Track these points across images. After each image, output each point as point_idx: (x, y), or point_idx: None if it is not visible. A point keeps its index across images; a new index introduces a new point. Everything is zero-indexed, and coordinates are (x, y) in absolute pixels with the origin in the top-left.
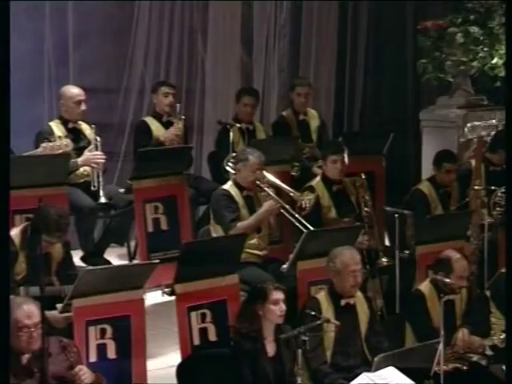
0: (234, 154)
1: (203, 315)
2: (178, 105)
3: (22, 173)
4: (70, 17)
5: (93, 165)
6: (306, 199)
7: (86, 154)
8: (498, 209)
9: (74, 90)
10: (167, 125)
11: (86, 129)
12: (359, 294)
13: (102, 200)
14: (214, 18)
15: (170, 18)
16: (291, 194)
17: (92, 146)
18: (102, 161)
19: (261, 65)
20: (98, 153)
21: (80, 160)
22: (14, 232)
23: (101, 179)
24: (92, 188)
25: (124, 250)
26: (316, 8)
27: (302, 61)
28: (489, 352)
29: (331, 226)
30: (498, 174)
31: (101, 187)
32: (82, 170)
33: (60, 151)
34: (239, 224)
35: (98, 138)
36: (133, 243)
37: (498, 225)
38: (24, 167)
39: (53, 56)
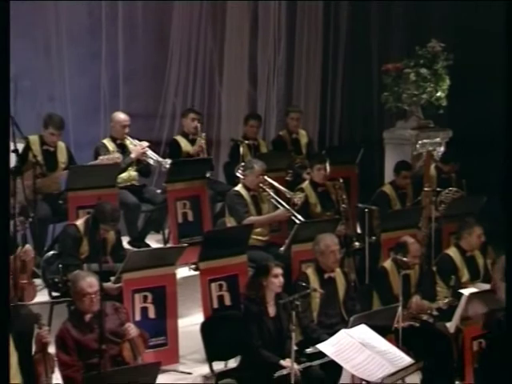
0: (242, 164)
1: (220, 285)
2: (199, 124)
3: (83, 178)
4: (120, 60)
5: (141, 152)
6: (298, 197)
7: (133, 148)
8: (442, 205)
9: (121, 116)
10: (193, 142)
11: (130, 144)
12: (338, 269)
13: (166, 165)
14: (228, 61)
15: (195, 60)
16: (286, 194)
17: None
18: (146, 143)
19: (263, 96)
20: (141, 143)
21: (132, 155)
22: (79, 222)
23: (154, 156)
24: (153, 163)
25: (160, 237)
26: (305, 54)
27: (294, 93)
28: (435, 312)
29: (317, 218)
30: (446, 180)
31: (158, 158)
32: (128, 174)
33: (112, 162)
34: (252, 217)
35: (136, 141)
36: (167, 231)
37: (443, 217)
38: (85, 174)
39: (107, 89)
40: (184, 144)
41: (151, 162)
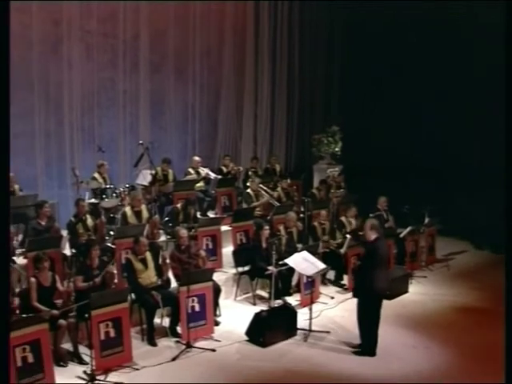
0: (250, 179)
1: (241, 234)
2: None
3: (180, 186)
4: (196, 133)
5: (206, 173)
6: (275, 194)
7: (202, 172)
8: (338, 198)
9: (197, 158)
10: (228, 167)
11: (201, 170)
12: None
13: (212, 176)
14: (245, 134)
15: (229, 133)
16: (270, 193)
17: (206, 170)
18: (208, 169)
19: (259, 148)
20: (206, 170)
21: (202, 175)
22: (179, 205)
23: (212, 175)
24: (212, 178)
25: (213, 212)
26: (278, 130)
27: (274, 148)
28: (335, 245)
29: (283, 204)
30: (339, 186)
31: (212, 176)
32: (200, 184)
33: (192, 179)
34: (254, 203)
35: (205, 169)
36: (217, 210)
37: (340, 204)
38: (181, 184)
39: (189, 147)
40: (224, 170)
41: (211, 176)
